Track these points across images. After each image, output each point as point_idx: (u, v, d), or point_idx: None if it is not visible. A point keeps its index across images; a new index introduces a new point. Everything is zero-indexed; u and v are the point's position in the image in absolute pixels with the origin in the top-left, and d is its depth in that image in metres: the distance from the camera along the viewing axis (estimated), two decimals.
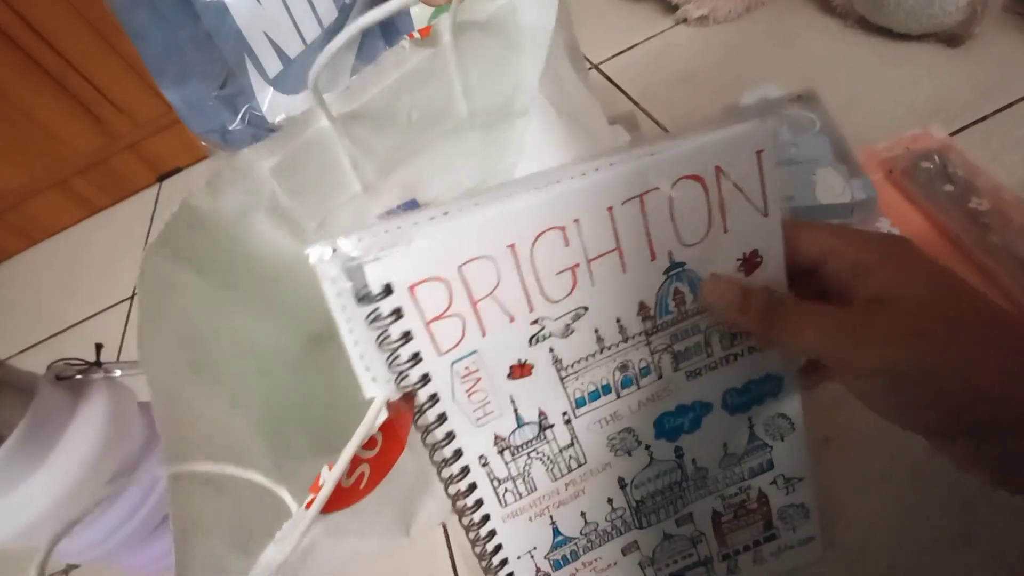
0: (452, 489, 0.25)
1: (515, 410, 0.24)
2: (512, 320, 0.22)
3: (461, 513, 0.26)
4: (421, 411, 0.22)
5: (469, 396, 0.23)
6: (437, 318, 0.21)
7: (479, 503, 0.25)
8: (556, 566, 0.28)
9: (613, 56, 0.66)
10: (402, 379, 0.22)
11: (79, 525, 0.27)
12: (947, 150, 0.42)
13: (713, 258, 0.22)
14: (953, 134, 0.45)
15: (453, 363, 0.22)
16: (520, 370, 0.24)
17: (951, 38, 0.51)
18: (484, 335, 0.22)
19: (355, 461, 0.20)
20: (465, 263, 0.20)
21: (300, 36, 0.69)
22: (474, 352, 0.22)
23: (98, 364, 0.27)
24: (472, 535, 0.26)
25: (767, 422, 0.27)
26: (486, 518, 0.26)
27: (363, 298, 0.20)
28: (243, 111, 0.73)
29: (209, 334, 0.33)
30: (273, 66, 0.72)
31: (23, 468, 0.24)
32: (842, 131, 0.44)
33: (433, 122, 0.44)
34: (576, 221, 0.21)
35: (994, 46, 0.50)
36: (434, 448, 0.23)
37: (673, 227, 0.22)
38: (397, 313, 0.20)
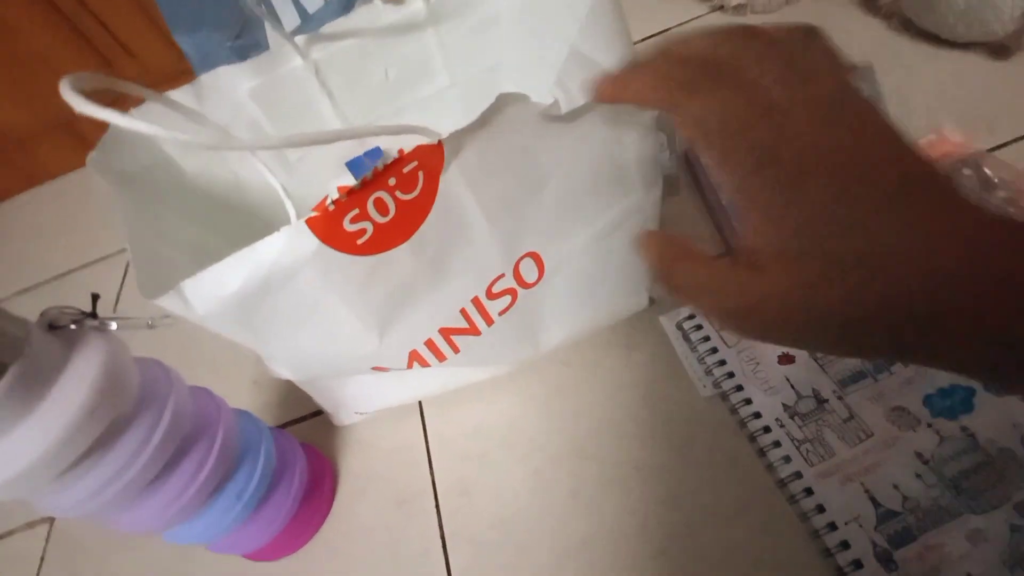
0: (759, 444, 0.33)
1: (791, 386, 0.35)
2: None
3: (771, 470, 0.33)
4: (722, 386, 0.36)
5: (754, 373, 0.36)
6: None
7: (787, 459, 0.32)
8: (894, 543, 0.29)
9: (643, 39, 0.64)
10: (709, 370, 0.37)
11: (66, 480, 0.26)
12: (983, 157, 0.41)
13: None
14: (993, 149, 0.43)
15: (739, 352, 0.37)
16: (785, 359, 0.36)
17: (999, 49, 0.49)
18: None
19: (376, 202, 0.23)
20: None
21: None
22: (751, 346, 0.37)
23: (93, 315, 0.26)
24: (788, 492, 0.32)
25: None
26: (798, 475, 0.32)
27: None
28: None
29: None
30: (291, 20, 0.70)
31: (10, 418, 0.23)
32: (886, 107, 0.43)
33: (411, 85, 0.45)
34: None
35: None
36: (735, 409, 0.35)
37: None
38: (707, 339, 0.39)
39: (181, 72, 0.74)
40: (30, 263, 0.71)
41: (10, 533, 0.47)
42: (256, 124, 0.42)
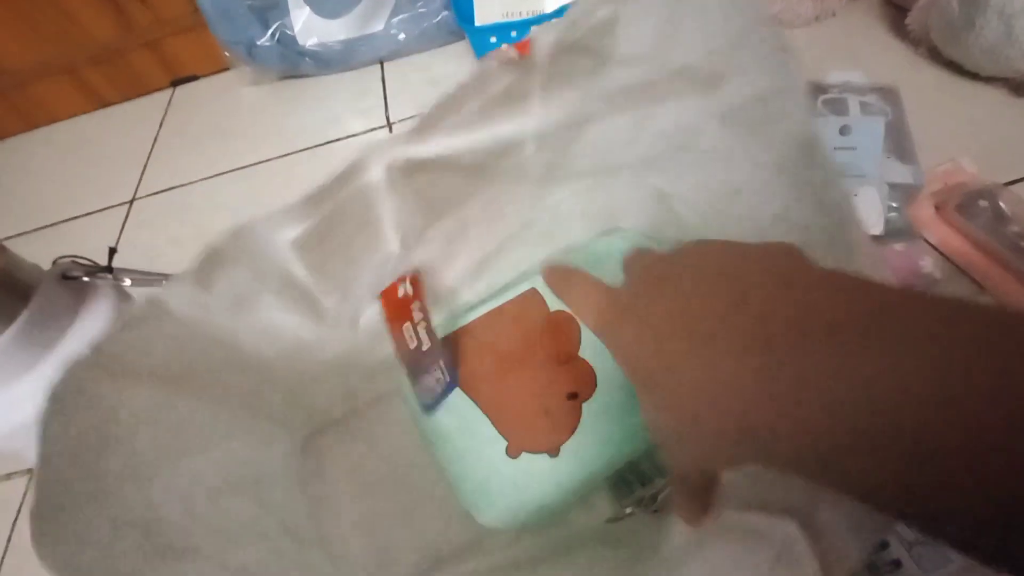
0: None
1: None
2: None
3: None
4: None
5: None
6: None
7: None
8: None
9: None
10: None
11: None
12: (999, 190, 0.41)
13: None
14: (1009, 183, 0.44)
15: None
16: None
17: (1021, 86, 0.49)
18: None
19: None
20: None
21: None
22: None
23: (108, 269, 0.26)
24: None
25: None
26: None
27: None
28: (274, 27, 0.69)
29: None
30: None
31: (16, 366, 0.23)
32: (909, 129, 0.44)
33: (498, 158, 0.34)
34: None
35: None
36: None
37: None
38: None
39: (194, 25, 0.73)
40: (23, 207, 0.69)
41: None
42: (286, 275, 0.30)
